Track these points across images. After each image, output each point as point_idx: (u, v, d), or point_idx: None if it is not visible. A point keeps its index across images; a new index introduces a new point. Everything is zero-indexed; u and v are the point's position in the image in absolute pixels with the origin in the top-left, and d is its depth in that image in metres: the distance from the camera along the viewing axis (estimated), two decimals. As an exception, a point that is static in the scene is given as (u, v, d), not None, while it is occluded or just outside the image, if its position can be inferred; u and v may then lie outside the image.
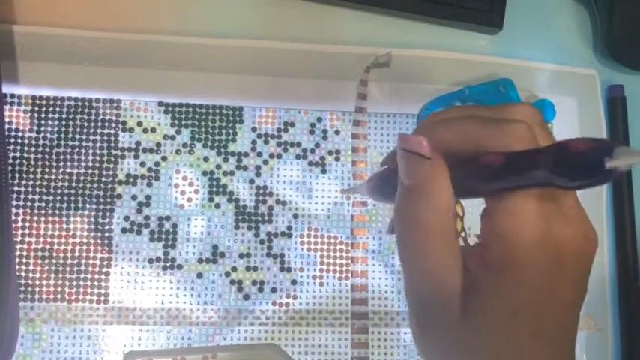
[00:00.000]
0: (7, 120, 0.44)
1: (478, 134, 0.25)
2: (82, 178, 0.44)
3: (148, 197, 0.45)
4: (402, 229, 0.27)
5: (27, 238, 0.43)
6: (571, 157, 0.22)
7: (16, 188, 0.44)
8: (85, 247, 0.44)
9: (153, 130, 0.46)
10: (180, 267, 0.44)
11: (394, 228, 0.27)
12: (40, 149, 0.44)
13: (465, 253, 0.26)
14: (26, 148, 0.44)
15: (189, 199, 0.45)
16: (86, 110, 0.45)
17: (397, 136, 0.26)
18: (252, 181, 0.46)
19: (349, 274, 0.46)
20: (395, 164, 0.27)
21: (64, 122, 0.45)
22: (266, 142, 0.46)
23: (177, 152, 0.46)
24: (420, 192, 0.25)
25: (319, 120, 0.47)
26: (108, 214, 0.44)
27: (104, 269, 0.44)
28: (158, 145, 0.45)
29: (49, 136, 0.44)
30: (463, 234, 0.47)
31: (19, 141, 0.44)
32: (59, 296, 0.43)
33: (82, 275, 0.43)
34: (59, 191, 0.44)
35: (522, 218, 0.24)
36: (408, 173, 0.26)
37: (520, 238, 0.24)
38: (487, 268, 0.25)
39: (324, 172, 0.47)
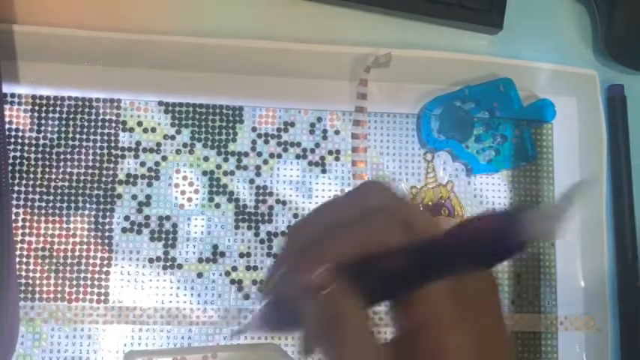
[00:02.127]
0: (7, 120, 0.44)
1: (355, 241, 0.24)
2: (82, 177, 0.44)
3: (148, 197, 0.45)
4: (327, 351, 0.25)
5: (27, 238, 0.43)
6: (482, 239, 0.21)
7: (16, 188, 0.44)
8: (85, 247, 0.44)
9: (153, 129, 0.46)
10: (180, 267, 0.44)
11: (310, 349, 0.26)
12: (40, 149, 0.44)
13: (387, 349, 0.25)
14: (26, 148, 0.44)
15: (190, 199, 0.45)
16: (86, 110, 0.45)
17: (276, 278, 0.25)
18: (252, 181, 0.46)
19: (349, 274, 0.46)
20: (280, 291, 0.26)
21: (64, 122, 0.45)
22: (266, 142, 0.47)
23: (178, 152, 0.46)
24: (332, 321, 0.24)
25: (319, 120, 0.47)
26: (108, 213, 0.44)
27: (104, 269, 0.44)
28: (158, 144, 0.45)
29: (49, 135, 0.44)
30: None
31: (19, 141, 0.44)
32: (59, 296, 0.43)
33: (82, 275, 0.43)
34: (59, 191, 0.44)
35: (445, 300, 0.23)
36: (311, 307, 0.24)
37: (450, 320, 0.23)
38: (419, 358, 0.24)
39: (324, 171, 0.47)
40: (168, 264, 0.44)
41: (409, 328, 0.24)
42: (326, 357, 0.25)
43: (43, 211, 0.44)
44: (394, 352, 0.25)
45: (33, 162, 0.44)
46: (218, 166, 0.46)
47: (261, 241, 0.45)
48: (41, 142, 0.44)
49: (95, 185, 0.44)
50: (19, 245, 0.43)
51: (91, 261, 0.44)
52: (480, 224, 0.21)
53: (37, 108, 0.45)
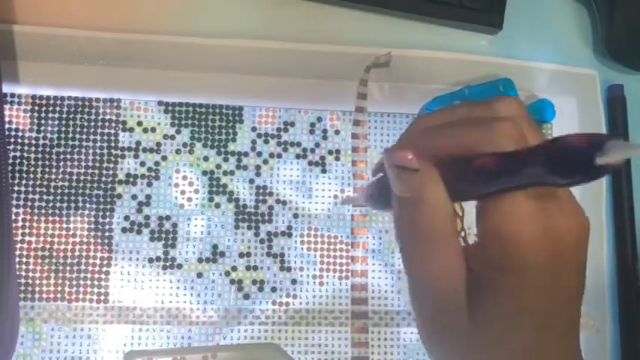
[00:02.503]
0: (7, 120, 0.44)
1: (467, 138, 0.25)
2: (82, 177, 0.44)
3: (148, 197, 0.45)
4: (404, 238, 0.27)
5: (27, 238, 0.43)
6: (563, 155, 0.22)
7: (16, 188, 0.44)
8: (85, 247, 0.44)
9: (153, 129, 0.46)
10: (180, 266, 0.44)
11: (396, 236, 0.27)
12: (40, 149, 0.44)
13: (467, 254, 0.26)
14: (26, 148, 0.44)
15: (189, 199, 0.45)
16: (86, 110, 0.45)
17: (383, 152, 0.26)
18: (252, 181, 0.46)
19: (349, 274, 0.46)
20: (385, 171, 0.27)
21: (64, 122, 0.45)
22: (266, 142, 0.47)
23: (177, 152, 0.46)
24: (415, 202, 0.26)
25: (319, 120, 0.47)
26: (108, 213, 0.44)
27: (104, 269, 0.44)
28: (158, 144, 0.45)
29: (49, 135, 0.44)
30: (463, 234, 0.47)
31: (19, 141, 0.44)
32: (59, 296, 0.43)
33: (82, 275, 0.43)
34: (59, 191, 0.44)
35: (521, 218, 0.24)
36: (399, 187, 0.26)
37: (520, 239, 0.24)
38: (490, 269, 0.25)
39: (324, 171, 0.47)
40: (168, 264, 0.44)
41: (488, 233, 0.25)
42: (407, 240, 0.27)
43: (43, 211, 0.44)
44: (470, 250, 0.26)
45: (33, 162, 0.44)
46: (218, 166, 0.46)
47: (261, 241, 0.45)
48: (41, 142, 0.44)
49: (95, 185, 0.44)
50: (19, 245, 0.43)
51: (91, 261, 0.44)
52: (568, 141, 0.22)
53: (37, 108, 0.45)
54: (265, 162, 0.46)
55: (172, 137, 0.46)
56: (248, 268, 0.45)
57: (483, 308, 0.25)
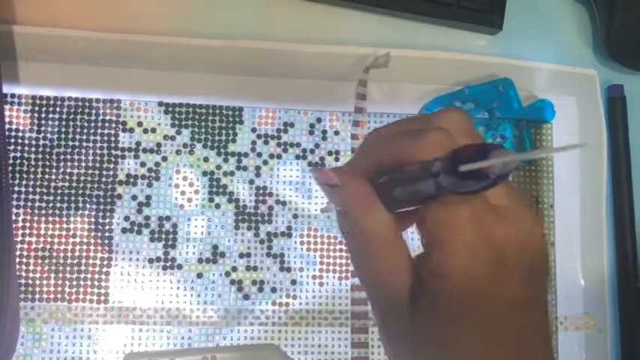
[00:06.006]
0: (7, 120, 0.44)
1: (402, 149, 0.26)
2: (82, 178, 0.44)
3: (148, 197, 0.45)
4: (347, 245, 0.29)
5: (27, 238, 0.43)
6: (456, 163, 0.23)
7: (16, 188, 0.44)
8: (85, 247, 0.44)
9: (153, 130, 0.46)
10: (180, 267, 0.45)
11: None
12: (40, 149, 0.44)
13: (416, 260, 0.27)
14: (26, 148, 0.44)
15: (190, 199, 0.45)
16: (86, 110, 0.45)
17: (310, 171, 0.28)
18: (252, 182, 0.46)
19: (349, 274, 0.46)
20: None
21: (64, 122, 0.45)
22: (266, 143, 0.47)
23: (178, 152, 0.46)
24: (345, 213, 0.27)
25: (319, 120, 0.47)
26: (108, 214, 0.44)
27: (104, 269, 0.44)
28: (158, 145, 0.45)
29: (49, 136, 0.44)
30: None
31: (19, 141, 0.44)
32: (59, 296, 0.43)
33: (82, 275, 0.44)
34: (59, 191, 0.44)
35: (456, 226, 0.24)
36: (332, 200, 0.28)
37: (456, 245, 0.24)
38: (430, 274, 0.25)
39: (323, 172, 0.47)
40: (168, 264, 0.44)
41: (427, 239, 0.26)
42: (348, 246, 0.29)
43: (43, 212, 0.44)
44: (419, 257, 0.26)
45: (33, 162, 0.44)
46: (218, 167, 0.46)
47: (261, 242, 0.45)
48: (41, 142, 0.44)
49: (95, 185, 0.44)
50: (19, 245, 0.43)
51: (91, 261, 0.44)
52: (463, 151, 0.23)
53: (37, 108, 0.45)
54: (265, 163, 0.46)
55: (172, 138, 0.46)
56: (248, 268, 0.45)
57: (425, 312, 0.25)
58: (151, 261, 0.44)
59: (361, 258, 0.27)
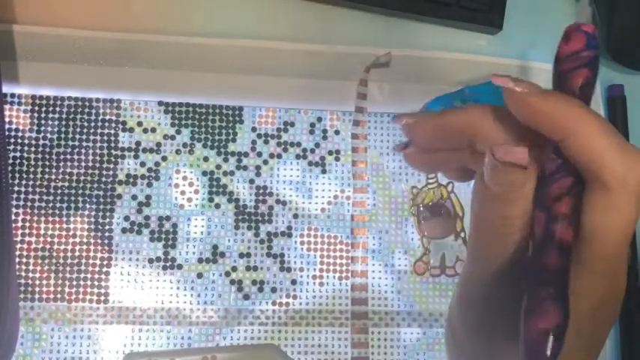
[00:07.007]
0: (7, 120, 0.44)
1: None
2: (82, 178, 0.44)
3: (148, 197, 0.45)
4: (477, 232, 0.26)
5: (27, 238, 0.43)
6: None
7: (16, 188, 0.44)
8: (85, 247, 0.44)
9: (153, 129, 0.46)
10: (180, 267, 0.44)
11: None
12: (40, 149, 0.44)
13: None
14: (26, 148, 0.44)
15: (190, 199, 0.45)
16: (86, 110, 0.45)
17: (491, 148, 0.24)
18: (252, 181, 0.46)
19: (349, 274, 0.46)
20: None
21: (64, 122, 0.45)
22: (266, 142, 0.46)
23: (178, 152, 0.46)
24: (507, 199, 0.24)
25: (319, 120, 0.47)
26: (108, 214, 0.44)
27: (104, 269, 0.44)
28: (158, 144, 0.45)
29: (49, 136, 0.44)
30: (463, 234, 0.47)
31: (19, 141, 0.44)
32: (59, 296, 0.43)
33: (82, 275, 0.43)
34: (59, 191, 0.44)
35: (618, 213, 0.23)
36: (499, 181, 0.24)
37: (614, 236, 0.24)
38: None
39: (324, 171, 0.47)
40: (168, 264, 0.44)
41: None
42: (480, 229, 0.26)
43: (43, 212, 0.44)
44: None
45: (33, 162, 0.44)
46: (218, 167, 0.46)
47: (261, 242, 0.45)
48: (41, 142, 0.44)
49: (95, 185, 0.44)
50: (19, 245, 0.43)
51: (91, 261, 0.44)
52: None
53: (37, 108, 0.45)
54: (265, 162, 0.46)
55: (172, 137, 0.46)
56: (248, 268, 0.45)
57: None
58: (150, 261, 0.44)
59: (491, 248, 0.25)
